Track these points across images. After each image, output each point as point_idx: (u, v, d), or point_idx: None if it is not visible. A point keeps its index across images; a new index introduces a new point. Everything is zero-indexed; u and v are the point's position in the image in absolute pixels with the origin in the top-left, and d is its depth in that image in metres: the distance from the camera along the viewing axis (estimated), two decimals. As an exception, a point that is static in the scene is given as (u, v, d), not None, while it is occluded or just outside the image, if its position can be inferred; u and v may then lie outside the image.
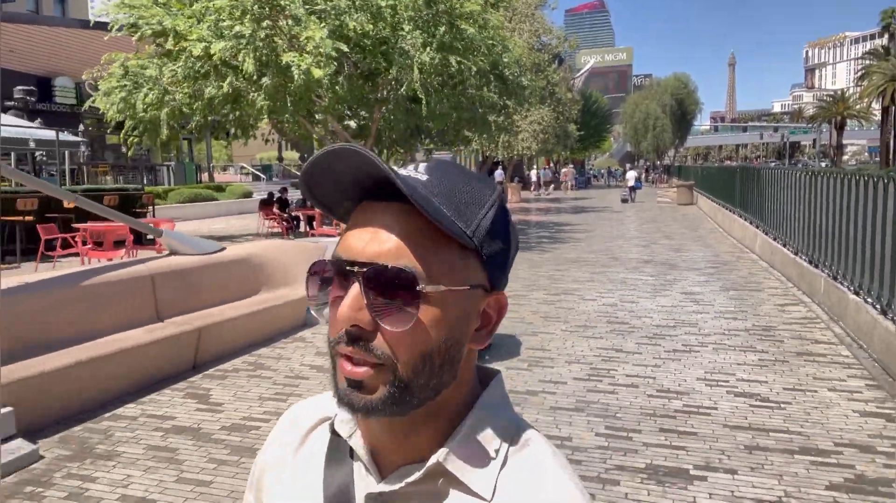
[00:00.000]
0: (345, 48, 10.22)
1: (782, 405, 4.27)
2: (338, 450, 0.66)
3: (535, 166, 41.72)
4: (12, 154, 14.23)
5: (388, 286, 0.55)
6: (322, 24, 10.11)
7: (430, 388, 0.58)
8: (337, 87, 10.88)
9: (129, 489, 3.28)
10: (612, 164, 77.44)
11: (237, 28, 9.80)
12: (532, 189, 37.22)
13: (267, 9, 10.03)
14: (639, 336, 6.04)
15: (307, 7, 10.33)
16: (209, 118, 12.60)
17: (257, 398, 4.58)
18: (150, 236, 9.29)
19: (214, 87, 10.58)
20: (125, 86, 10.83)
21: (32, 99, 16.69)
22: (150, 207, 13.27)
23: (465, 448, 0.59)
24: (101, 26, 13.30)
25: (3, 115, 15.22)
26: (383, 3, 10.60)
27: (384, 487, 0.61)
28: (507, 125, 16.36)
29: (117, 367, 4.57)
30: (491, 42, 11.93)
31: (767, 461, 3.49)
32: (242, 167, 37.81)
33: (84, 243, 8.70)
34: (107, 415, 4.23)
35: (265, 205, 15.04)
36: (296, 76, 9.80)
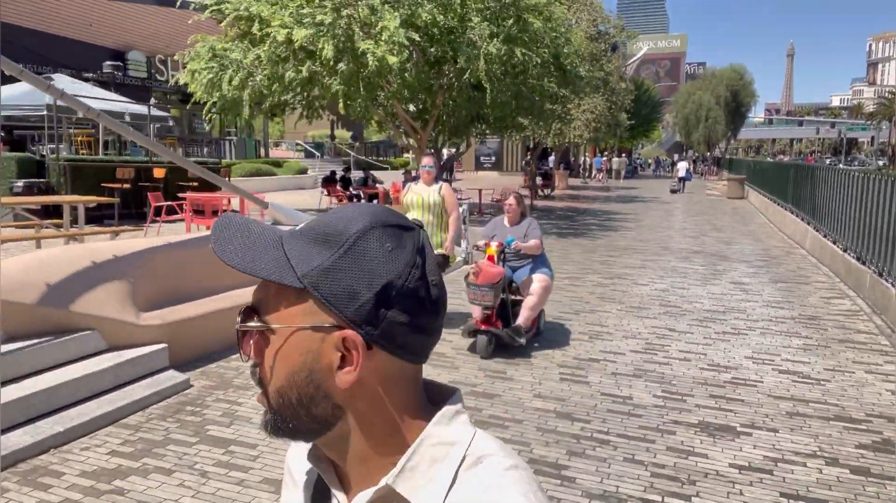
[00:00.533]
0: (416, 37, 10.82)
1: (822, 382, 4.79)
2: (321, 483, 0.69)
3: (582, 154, 41.77)
4: (100, 126, 15.40)
5: (238, 325, 0.62)
6: (395, 14, 10.72)
7: (304, 419, 0.61)
8: (406, 74, 11.49)
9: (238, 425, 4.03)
10: (660, 153, 76.44)
11: (319, 17, 10.47)
12: (592, 176, 37.52)
13: (347, -1, 10.67)
14: (690, 318, 6.57)
15: (382, -3, 10.94)
16: (283, 98, 13.40)
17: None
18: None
19: (294, 71, 11.30)
20: (213, 67, 11.64)
21: (120, 74, 17.78)
22: (227, 179, 14.22)
23: (415, 469, 0.61)
24: (184, 6, 14.16)
25: (88, 86, 16.32)
26: (454, -5, 11.13)
27: None
28: (562, 114, 16.75)
29: (208, 324, 5.34)
30: (554, 34, 12.38)
31: (805, 424, 4.04)
32: (297, 143, 38.90)
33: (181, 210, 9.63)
34: (233, 356, 5.01)
35: (328, 182, 15.85)
36: (370, 62, 10.44)
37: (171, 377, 4.46)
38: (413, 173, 16.90)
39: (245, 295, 5.73)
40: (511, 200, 5.69)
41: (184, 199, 9.93)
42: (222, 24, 11.26)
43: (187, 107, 15.93)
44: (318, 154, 35.03)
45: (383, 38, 10.45)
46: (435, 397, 0.67)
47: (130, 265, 4.75)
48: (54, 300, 4.19)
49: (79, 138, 15.82)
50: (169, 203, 9.97)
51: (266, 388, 0.62)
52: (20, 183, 9.45)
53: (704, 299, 7.45)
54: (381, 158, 39.50)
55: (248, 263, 0.59)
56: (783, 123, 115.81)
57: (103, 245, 5.05)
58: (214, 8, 11.54)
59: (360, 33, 10.76)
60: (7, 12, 21.41)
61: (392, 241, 0.61)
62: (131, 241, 5.61)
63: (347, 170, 16.57)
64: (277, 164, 27.50)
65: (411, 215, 5.45)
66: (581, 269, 9.20)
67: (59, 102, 11.16)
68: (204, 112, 12.94)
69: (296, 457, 0.75)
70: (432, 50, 12.06)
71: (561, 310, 6.75)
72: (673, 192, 28.78)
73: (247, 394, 4.33)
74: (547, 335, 5.86)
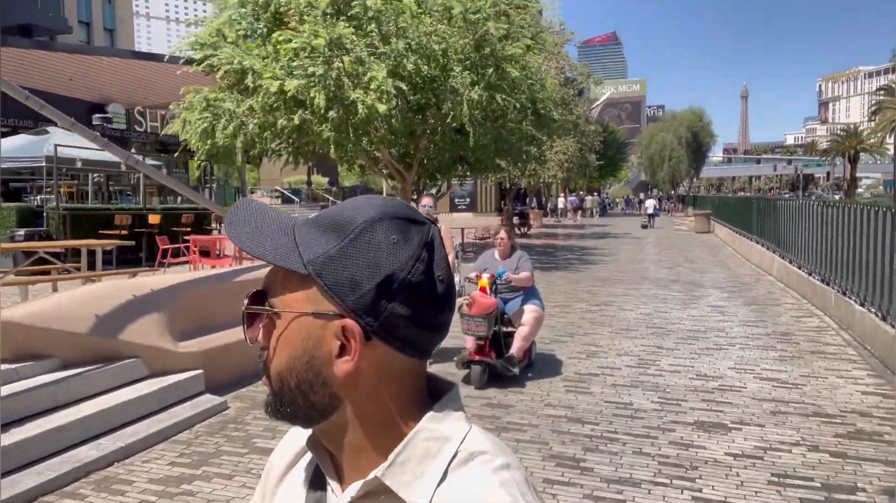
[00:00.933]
0: (403, 86, 11.51)
1: (799, 386, 5.32)
2: (318, 476, 0.69)
3: (553, 194, 43.00)
4: (89, 175, 15.71)
5: (244, 307, 0.64)
6: (382, 65, 11.41)
7: (302, 405, 0.62)
8: (392, 120, 12.13)
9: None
10: (627, 192, 78.60)
11: (310, 68, 11.09)
12: (561, 215, 38.64)
13: (336, 51, 11.33)
14: (675, 337, 7.10)
15: (370, 50, 11.65)
16: (271, 146, 13.91)
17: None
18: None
19: (286, 119, 11.85)
20: (206, 117, 12.13)
21: (109, 125, 18.15)
22: (218, 225, 14.56)
23: (405, 463, 0.61)
24: (172, 59, 14.68)
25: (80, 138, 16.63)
26: (437, 48, 11.89)
27: (336, 500, 0.65)
28: (537, 155, 17.58)
29: (249, 349, 5.70)
30: (530, 81, 13.21)
31: (788, 420, 4.54)
32: (275, 190, 39.34)
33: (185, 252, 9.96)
34: (260, 381, 5.34)
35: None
36: (360, 110, 11.07)
37: (209, 400, 4.79)
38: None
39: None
40: (503, 234, 5.89)
41: (186, 241, 10.28)
42: (218, 75, 11.77)
43: (174, 155, 16.32)
44: (296, 199, 35.46)
45: (372, 88, 11.09)
46: (434, 392, 0.67)
47: (167, 298, 5.11)
48: (103, 331, 4.54)
49: (63, 189, 16.07)
50: (176, 245, 10.31)
51: (268, 371, 0.64)
52: (21, 231, 9.70)
53: (686, 321, 8.02)
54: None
55: (257, 247, 0.61)
56: (742, 162, 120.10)
57: (145, 280, 5.42)
58: (206, 63, 12.06)
59: (350, 83, 11.39)
60: (-12, 67, 21.69)
61: (399, 234, 0.61)
62: (164, 276, 5.98)
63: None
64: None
65: None
66: (569, 298, 9.74)
67: (59, 154, 11.55)
68: (195, 159, 13.38)
69: (280, 450, 0.77)
70: (416, 97, 12.75)
71: (556, 334, 7.24)
72: (643, 227, 29.83)
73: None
74: (548, 354, 6.32)
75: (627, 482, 3.60)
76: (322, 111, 11.43)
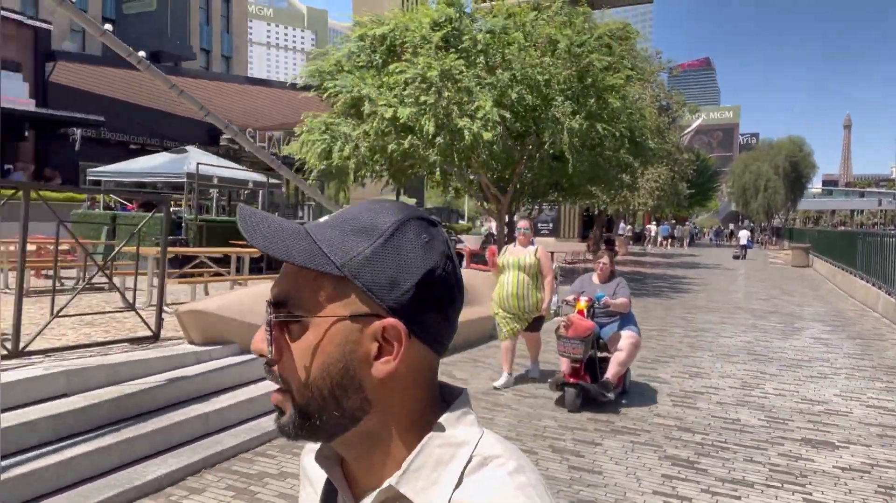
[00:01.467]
0: (506, 114, 12.18)
1: (907, 415, 5.45)
2: (330, 488, 0.69)
3: (636, 221, 42.52)
4: (214, 192, 17.29)
5: (270, 318, 0.61)
6: (489, 95, 12.13)
7: (333, 414, 0.61)
8: (494, 146, 12.79)
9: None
10: (716, 223, 76.16)
11: (422, 97, 11.95)
12: (650, 244, 38.30)
13: (446, 81, 12.14)
14: (778, 364, 7.27)
15: (476, 80, 12.40)
16: (377, 168, 14.91)
17: (486, 378, 6.25)
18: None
19: (395, 144, 12.75)
20: (325, 139, 13.24)
21: (235, 147, 19.87)
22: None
23: (419, 470, 0.60)
24: (267, 84, 16.00)
25: (214, 157, 18.33)
26: (540, 78, 12.50)
27: None
28: (630, 182, 17.81)
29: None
30: (629, 111, 13.60)
31: (895, 443, 4.74)
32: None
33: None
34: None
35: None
36: (466, 137, 11.80)
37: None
38: (494, 236, 18.03)
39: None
40: (605, 259, 5.91)
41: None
42: (338, 103, 12.84)
43: (295, 173, 17.68)
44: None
45: (478, 116, 11.82)
46: (446, 396, 0.67)
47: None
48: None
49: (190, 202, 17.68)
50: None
51: (289, 385, 0.61)
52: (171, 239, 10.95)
53: (788, 350, 8.13)
54: (444, 224, 41.12)
55: (283, 251, 0.59)
56: (843, 195, 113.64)
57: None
58: (330, 92, 13.14)
59: (457, 111, 12.16)
60: (125, 92, 24.18)
61: (427, 234, 0.63)
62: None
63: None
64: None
65: (507, 275, 5.97)
66: (664, 324, 9.98)
67: (200, 171, 12.91)
68: (311, 177, 14.56)
69: (311, 455, 0.75)
70: (517, 125, 13.39)
71: (657, 355, 7.56)
72: (735, 258, 29.12)
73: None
74: (649, 372, 6.67)
75: (741, 482, 3.97)
76: (430, 137, 12.25)
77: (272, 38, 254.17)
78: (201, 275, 8.12)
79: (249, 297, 5.34)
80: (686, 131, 48.45)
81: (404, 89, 12.43)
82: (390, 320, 0.61)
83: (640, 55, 18.79)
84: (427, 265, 0.61)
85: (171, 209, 14.68)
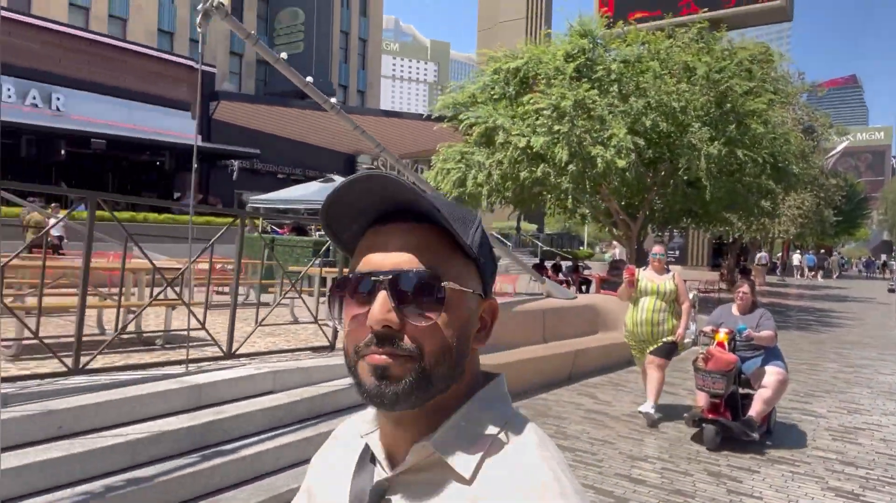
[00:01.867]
0: (640, 142, 12.20)
1: None
2: (365, 458, 0.73)
3: (770, 249, 39.90)
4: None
5: (412, 288, 0.64)
6: (622, 122, 12.21)
7: (446, 380, 0.66)
8: (626, 173, 12.80)
9: (584, 439, 5.20)
10: (865, 253, 69.66)
11: (556, 126, 12.25)
12: (795, 274, 36.06)
13: (580, 111, 12.38)
14: (951, 405, 6.76)
15: (609, 108, 12.54)
16: (507, 195, 15.36)
17: (629, 401, 6.35)
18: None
19: (528, 172, 13.12)
20: (460, 167, 13.90)
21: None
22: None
23: (453, 434, 0.66)
24: (398, 116, 16.88)
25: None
26: (676, 105, 12.41)
27: (385, 475, 0.69)
28: (770, 209, 16.99)
29: (530, 366, 6.68)
30: (772, 136, 13.11)
31: None
32: (491, 234, 41.87)
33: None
34: (544, 394, 6.29)
35: (538, 267, 17.35)
36: (599, 164, 11.93)
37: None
38: (619, 262, 17.86)
39: (533, 350, 7.06)
40: (745, 288, 5.59)
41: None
42: (474, 134, 13.43)
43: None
44: (507, 243, 37.24)
45: (612, 144, 11.94)
46: (486, 376, 0.73)
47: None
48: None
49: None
50: None
51: (421, 352, 0.64)
52: (317, 261, 11.96)
53: (962, 391, 7.49)
54: (565, 249, 40.90)
55: (455, 229, 0.66)
56: None
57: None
58: (466, 123, 13.79)
59: (590, 139, 12.33)
60: (274, 127, 26.52)
61: None
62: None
63: (556, 257, 17.97)
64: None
65: (642, 301, 5.78)
66: (815, 358, 9.49)
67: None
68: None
69: (347, 423, 0.82)
70: (649, 152, 13.32)
71: (809, 389, 7.27)
72: (891, 291, 26.58)
73: (564, 421, 5.56)
74: (804, 406, 6.44)
75: (914, 520, 3.85)
76: (563, 165, 12.49)
77: (397, 70, 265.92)
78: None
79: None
80: (830, 154, 45.08)
81: (537, 119, 12.83)
82: (493, 301, 0.71)
83: (781, 78, 17.99)
84: (495, 255, 0.73)
85: (317, 233, 15.99)
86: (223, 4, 4.16)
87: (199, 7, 4.19)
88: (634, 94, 12.75)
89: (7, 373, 3.99)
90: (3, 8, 20.30)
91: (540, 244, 37.16)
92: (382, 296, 0.64)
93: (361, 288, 0.66)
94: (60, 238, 13.49)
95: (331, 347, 5.57)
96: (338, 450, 0.79)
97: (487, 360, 6.05)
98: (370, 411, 0.75)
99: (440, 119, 16.30)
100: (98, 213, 4.01)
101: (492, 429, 0.66)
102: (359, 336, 0.66)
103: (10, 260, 3.71)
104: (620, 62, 12.96)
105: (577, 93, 12.20)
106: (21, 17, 19.90)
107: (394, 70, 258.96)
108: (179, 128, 22.32)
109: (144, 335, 5.39)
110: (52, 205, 14.62)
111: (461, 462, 0.64)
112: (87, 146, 18.95)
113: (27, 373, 3.94)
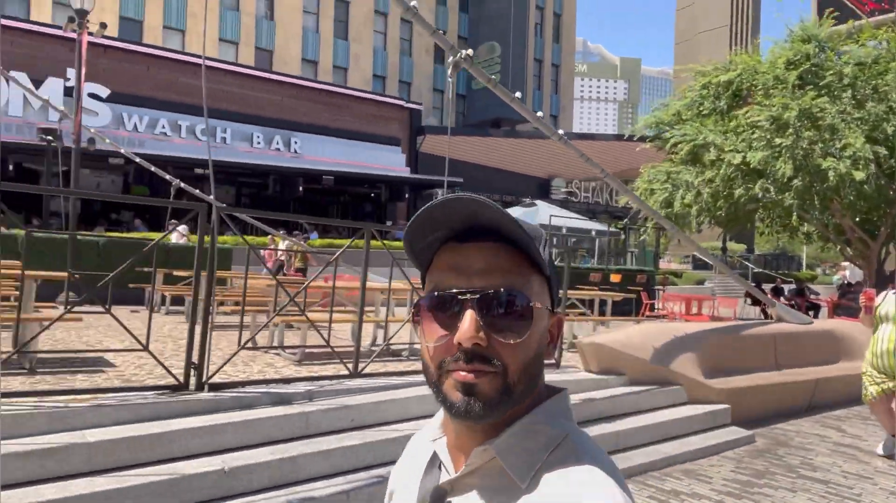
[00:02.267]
0: (882, 151, 10.93)
1: None
2: (433, 462, 0.76)
3: None
4: (543, 238, 19.27)
5: (501, 307, 0.66)
6: (858, 131, 11.06)
7: (525, 394, 0.69)
8: (865, 186, 11.50)
9: (835, 471, 4.83)
10: None
11: (777, 140, 11.44)
12: None
13: (806, 121, 11.43)
14: None
15: (841, 116, 11.41)
16: (719, 214, 14.56)
17: (880, 437, 5.74)
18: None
19: (743, 189, 12.36)
20: (667, 188, 13.53)
21: (574, 199, 21.67)
22: (662, 286, 15.87)
23: (514, 442, 0.68)
24: (589, 138, 16.69)
25: (558, 208, 20.18)
26: (927, 107, 10.96)
27: (447, 478, 0.72)
28: None
29: (764, 394, 6.31)
30: None
31: None
32: (686, 256, 39.64)
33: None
34: (785, 422, 5.96)
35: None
36: (830, 178, 10.88)
37: (736, 431, 5.61)
38: (850, 285, 15.97)
39: (766, 377, 6.67)
40: None
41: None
42: (681, 152, 13.01)
43: (624, 221, 18.39)
44: (713, 265, 34.92)
45: (846, 155, 10.85)
46: (550, 390, 0.75)
47: (695, 341, 6.20)
48: (657, 359, 5.81)
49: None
50: (651, 301, 11.88)
51: (506, 368, 0.66)
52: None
53: None
54: (781, 271, 37.20)
55: (534, 251, 0.69)
56: None
57: (677, 326, 6.71)
58: (672, 142, 13.42)
59: (818, 151, 11.31)
60: (472, 156, 27.87)
61: None
62: (684, 324, 7.20)
63: (777, 281, 16.60)
64: (676, 274, 28.55)
65: (884, 329, 5.20)
66: None
67: (551, 223, 14.43)
68: (650, 225, 14.97)
69: (419, 436, 0.85)
70: (892, 161, 11.86)
71: None
72: None
73: (810, 452, 5.22)
74: None
75: None
76: (786, 180, 11.57)
77: (585, 91, 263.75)
78: (566, 315, 9.09)
79: (638, 334, 5.93)
80: None
81: (753, 133, 12.09)
82: (560, 315, 0.75)
83: None
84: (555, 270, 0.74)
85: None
86: (470, 57, 4.70)
87: (449, 60, 4.77)
88: (872, 98, 11.50)
89: (298, 374, 4.82)
90: (249, 67, 24.11)
91: (751, 265, 34.32)
92: (471, 315, 0.66)
93: (447, 306, 0.68)
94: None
95: (558, 364, 5.81)
96: (412, 455, 0.83)
97: (716, 386, 5.88)
98: (438, 417, 0.78)
99: (642, 139, 16.07)
100: (332, 240, 4.68)
101: (552, 442, 0.68)
102: (443, 352, 0.68)
103: (312, 280, 4.49)
104: (854, 65, 11.78)
105: (803, 101, 11.32)
106: (265, 75, 23.44)
107: (582, 91, 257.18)
108: (391, 162, 24.50)
109: (392, 347, 6.10)
110: (280, 231, 16.80)
111: (519, 470, 0.66)
112: (318, 182, 21.59)
113: (314, 374, 4.72)
